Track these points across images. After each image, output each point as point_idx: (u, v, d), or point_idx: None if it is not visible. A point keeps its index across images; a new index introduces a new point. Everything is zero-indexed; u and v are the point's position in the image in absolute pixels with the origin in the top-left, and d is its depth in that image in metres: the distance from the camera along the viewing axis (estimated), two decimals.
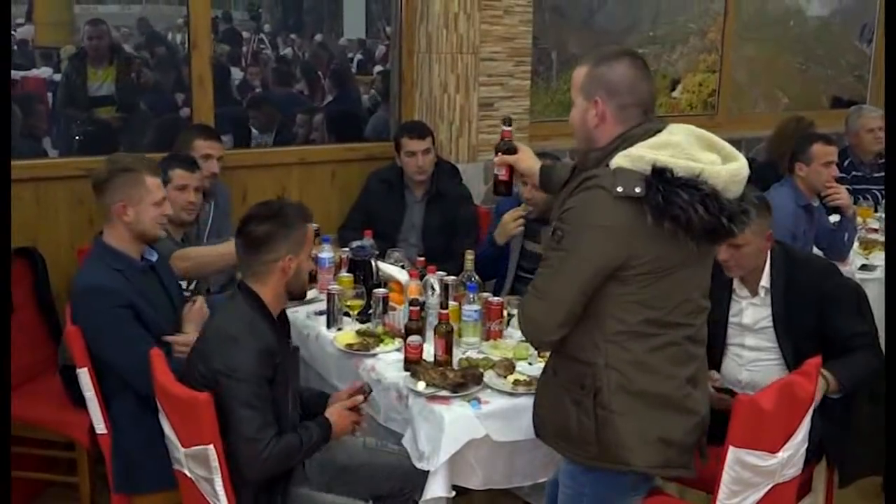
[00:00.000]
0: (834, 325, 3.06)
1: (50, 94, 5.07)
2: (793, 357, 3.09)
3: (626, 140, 2.28)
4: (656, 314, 2.29)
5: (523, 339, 2.85)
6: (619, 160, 2.23)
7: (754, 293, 3.19)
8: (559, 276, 2.27)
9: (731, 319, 3.25)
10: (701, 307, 2.40)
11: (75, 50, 4.98)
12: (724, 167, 2.25)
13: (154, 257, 3.11)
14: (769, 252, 3.16)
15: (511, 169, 2.91)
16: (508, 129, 2.94)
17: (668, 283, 2.28)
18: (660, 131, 2.30)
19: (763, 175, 4.72)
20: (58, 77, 5.04)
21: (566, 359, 2.37)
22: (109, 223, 3.00)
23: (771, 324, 3.16)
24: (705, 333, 2.45)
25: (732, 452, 2.49)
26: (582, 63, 2.39)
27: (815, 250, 4.17)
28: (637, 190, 2.17)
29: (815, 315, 3.08)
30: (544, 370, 2.53)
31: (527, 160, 2.90)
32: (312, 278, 3.16)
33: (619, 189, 2.18)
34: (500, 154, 2.91)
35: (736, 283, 3.23)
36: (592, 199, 2.22)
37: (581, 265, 2.24)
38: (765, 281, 3.16)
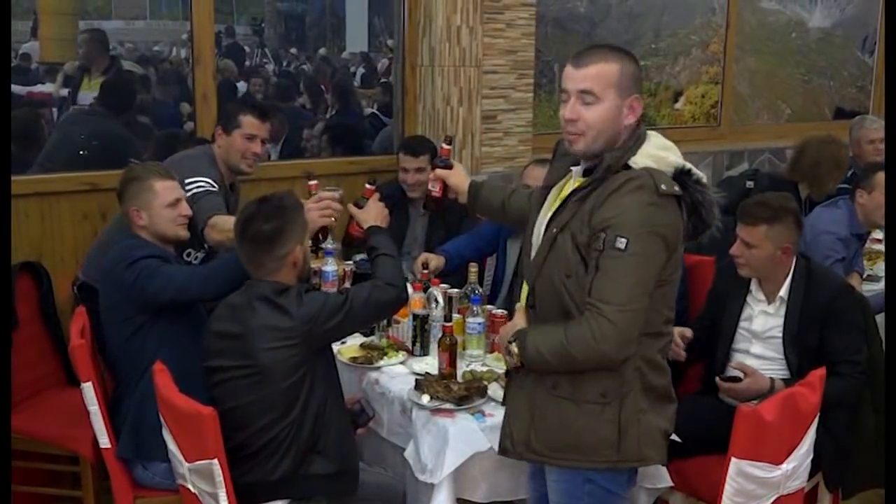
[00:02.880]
0: (829, 342, 3.06)
1: (55, 110, 5.09)
2: (796, 371, 3.08)
3: (638, 139, 2.28)
4: (670, 313, 2.34)
5: None
6: (644, 160, 2.23)
7: (770, 301, 3.18)
8: (635, 283, 2.18)
9: (740, 324, 3.25)
10: None
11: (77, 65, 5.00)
12: None
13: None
14: (793, 264, 3.15)
15: (444, 186, 2.98)
16: (448, 147, 3.04)
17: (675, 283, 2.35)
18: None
19: (776, 189, 4.69)
20: (63, 92, 5.07)
21: (579, 371, 2.27)
22: (132, 229, 3.13)
23: (780, 334, 3.16)
24: None
25: (734, 464, 2.49)
26: (611, 58, 2.26)
27: None
28: (676, 188, 2.21)
29: (818, 331, 3.08)
30: (519, 386, 2.41)
31: (458, 175, 2.98)
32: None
33: (664, 187, 2.19)
34: (436, 169, 3.02)
35: (753, 287, 3.23)
36: (644, 201, 2.18)
37: (651, 270, 2.21)
38: (784, 291, 3.16)
